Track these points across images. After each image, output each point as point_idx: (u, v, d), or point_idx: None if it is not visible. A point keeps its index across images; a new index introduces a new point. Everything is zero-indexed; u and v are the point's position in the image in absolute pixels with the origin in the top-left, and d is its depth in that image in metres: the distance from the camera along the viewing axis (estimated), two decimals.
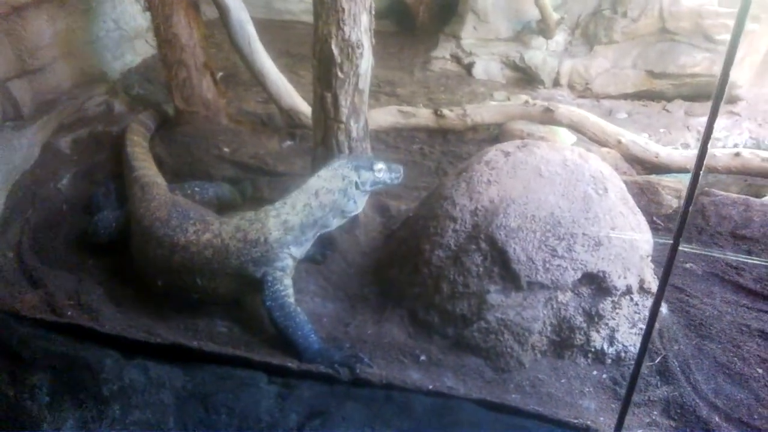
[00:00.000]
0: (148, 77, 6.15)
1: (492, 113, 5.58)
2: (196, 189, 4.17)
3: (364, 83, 3.82)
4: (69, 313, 3.37)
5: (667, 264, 2.43)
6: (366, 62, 3.77)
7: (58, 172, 4.49)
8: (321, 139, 3.96)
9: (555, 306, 3.17)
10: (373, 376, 3.02)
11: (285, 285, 3.26)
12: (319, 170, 3.48)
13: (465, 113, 5.55)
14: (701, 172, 2.23)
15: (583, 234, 3.18)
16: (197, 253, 3.30)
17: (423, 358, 3.19)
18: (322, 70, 3.75)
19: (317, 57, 3.75)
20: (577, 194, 3.27)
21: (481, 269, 3.22)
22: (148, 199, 3.70)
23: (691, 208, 2.33)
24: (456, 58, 6.99)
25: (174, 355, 3.20)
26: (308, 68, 6.86)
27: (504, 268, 3.17)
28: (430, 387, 2.97)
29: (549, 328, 3.19)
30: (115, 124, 5.10)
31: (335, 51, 3.63)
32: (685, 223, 2.37)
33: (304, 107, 5.31)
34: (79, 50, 5.50)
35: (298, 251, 3.37)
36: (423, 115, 5.61)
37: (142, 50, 6.54)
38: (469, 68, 6.87)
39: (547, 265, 3.13)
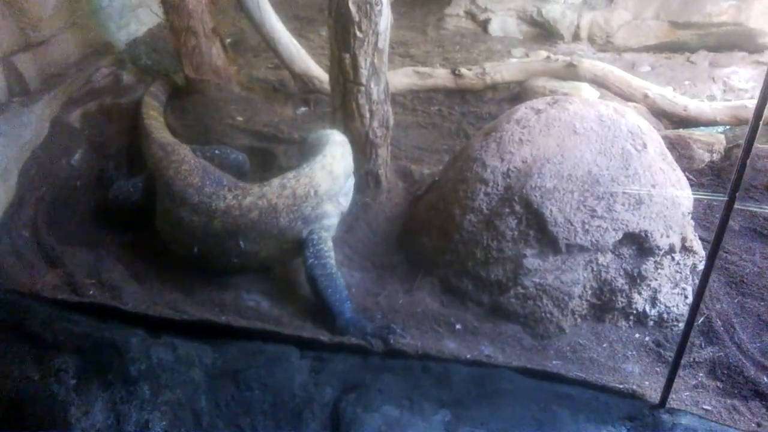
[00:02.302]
0: (155, 46, 5.95)
1: (512, 71, 5.38)
2: (217, 152, 4.01)
3: (384, 42, 3.64)
4: (90, 292, 3.28)
5: (722, 221, 2.29)
6: (385, 20, 3.58)
7: (69, 148, 4.35)
8: (339, 103, 3.80)
9: (595, 269, 3.04)
10: (408, 346, 2.92)
11: (329, 246, 3.24)
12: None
13: (484, 72, 5.35)
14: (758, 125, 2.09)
15: (623, 192, 3.03)
16: (241, 216, 3.18)
17: (458, 326, 3.08)
18: (339, 30, 3.57)
19: (333, 16, 3.57)
20: (615, 151, 3.12)
21: (515, 233, 3.08)
22: (177, 162, 3.54)
23: (747, 161, 2.18)
24: (471, 15, 6.74)
25: (201, 331, 3.11)
26: (317, 32, 6.71)
27: (540, 231, 3.04)
28: (468, 356, 2.87)
29: (589, 292, 3.07)
30: (124, 95, 4.94)
31: (352, 9, 3.45)
32: (742, 178, 2.23)
33: (317, 71, 5.13)
34: (83, 21, 5.30)
35: (345, 202, 3.45)
36: (440, 76, 5.42)
37: (146, 19, 6.33)
38: (484, 25, 6.63)
39: (587, 227, 2.99)
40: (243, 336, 3.07)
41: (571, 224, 3.00)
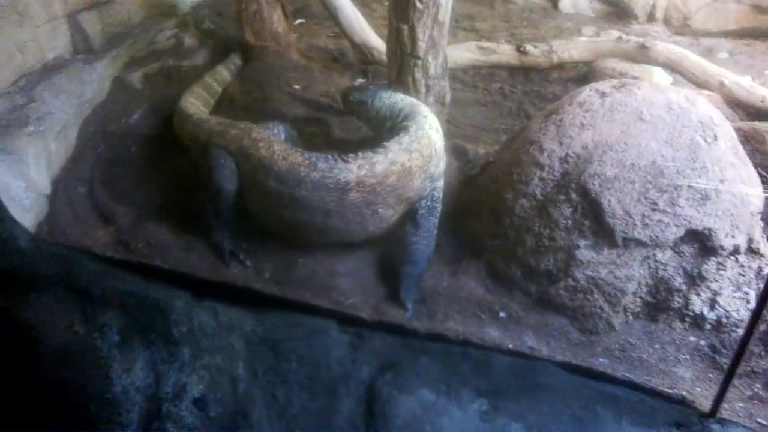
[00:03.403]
0: (218, 10, 5.96)
1: (581, 50, 5.15)
2: (275, 130, 3.66)
3: (444, 15, 3.52)
4: (140, 251, 3.31)
5: None
6: None
7: (129, 108, 4.41)
8: (396, 75, 3.71)
9: (652, 265, 2.89)
10: (449, 331, 2.86)
11: (439, 205, 3.36)
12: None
13: (551, 50, 5.14)
14: None
15: (689, 186, 2.86)
16: (379, 183, 3.08)
17: (502, 314, 2.99)
18: (399, 1, 3.46)
19: None
20: (682, 141, 2.93)
21: (570, 222, 2.95)
22: (264, 141, 3.28)
23: None
24: None
25: (244, 299, 3.12)
26: (381, 2, 6.58)
27: (596, 222, 2.90)
28: (510, 346, 2.79)
29: (644, 289, 2.92)
30: (185, 58, 4.98)
31: None
32: None
33: (377, 42, 5.03)
34: None
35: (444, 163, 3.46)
36: (504, 52, 5.24)
37: None
38: (555, 1, 6.38)
39: (646, 220, 2.84)
40: (284, 306, 3.06)
41: (630, 217, 2.84)
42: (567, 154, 3.01)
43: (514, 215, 3.10)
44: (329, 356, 2.77)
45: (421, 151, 3.19)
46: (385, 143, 3.19)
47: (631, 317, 2.96)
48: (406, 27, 3.48)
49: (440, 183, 3.37)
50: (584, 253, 2.91)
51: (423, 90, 3.66)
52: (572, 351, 2.87)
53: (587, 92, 3.26)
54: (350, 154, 3.14)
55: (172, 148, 4.08)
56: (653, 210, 2.84)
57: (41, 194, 3.55)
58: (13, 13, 3.87)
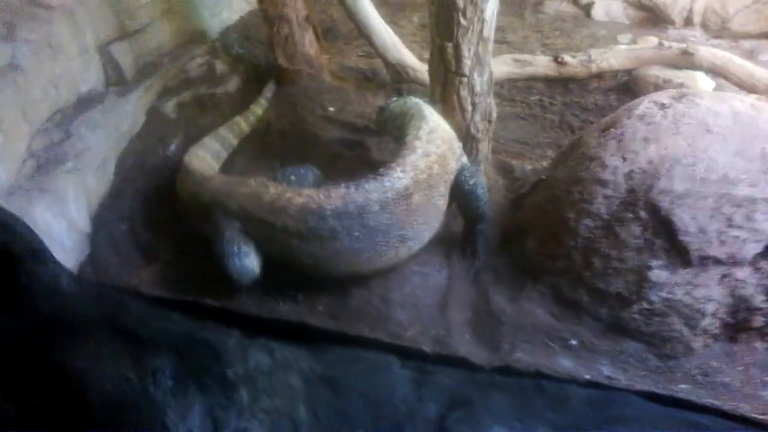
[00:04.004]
0: (247, 35, 5.88)
1: (620, 58, 5.00)
2: (293, 177, 3.48)
3: (489, 30, 3.40)
4: (186, 289, 3.21)
5: None
6: (492, 5, 3.34)
7: (165, 138, 4.34)
8: (440, 95, 3.59)
9: (731, 284, 2.72)
10: (519, 363, 2.70)
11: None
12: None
13: (590, 59, 4.99)
14: None
15: (764, 199, 2.70)
16: (428, 176, 3.09)
17: (573, 342, 2.84)
18: (442, 17, 3.35)
19: (435, 2, 3.37)
20: (754, 152, 2.79)
21: (640, 242, 2.80)
22: (281, 194, 3.04)
23: None
24: None
25: (298, 335, 2.99)
26: (408, 18, 6.49)
27: (669, 241, 2.75)
28: (587, 377, 2.63)
29: (723, 309, 2.75)
30: (218, 85, 4.90)
31: None
32: None
33: (411, 60, 4.92)
34: (177, 9, 5.29)
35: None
36: (541, 63, 5.10)
37: (238, 6, 6.27)
38: (587, 9, 6.21)
39: (722, 237, 2.68)
40: (340, 341, 2.93)
41: (705, 234, 2.69)
42: (632, 170, 2.87)
43: (578, 236, 2.95)
44: (393, 394, 2.63)
45: (442, 136, 3.26)
46: (407, 142, 3.22)
47: (709, 339, 2.79)
48: (450, 45, 3.36)
49: (465, 158, 3.44)
50: (658, 274, 2.75)
51: (469, 108, 3.53)
52: (651, 378, 2.70)
53: (646, 104, 3.13)
54: (390, 164, 3.08)
55: None
56: (729, 226, 2.68)
57: (82, 233, 3.47)
58: (46, 48, 3.81)
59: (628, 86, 5.00)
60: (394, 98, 3.97)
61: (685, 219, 2.71)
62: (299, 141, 4.45)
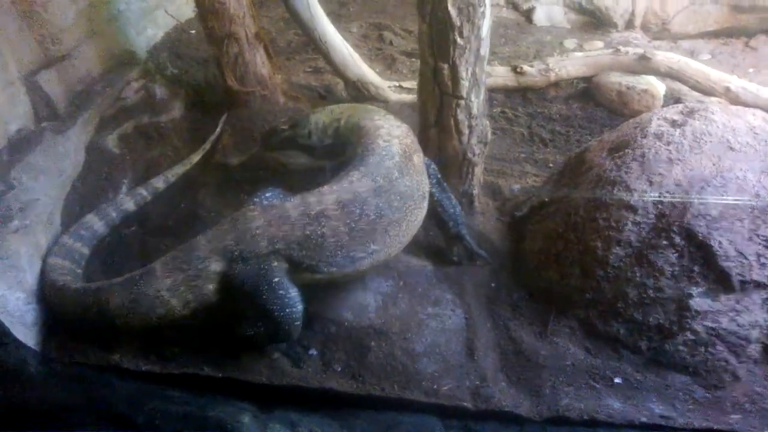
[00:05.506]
0: (177, 53, 5.39)
1: (578, 65, 4.95)
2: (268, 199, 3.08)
3: (486, 49, 3.20)
4: (178, 359, 2.79)
5: None
6: (487, 22, 3.14)
7: (112, 178, 3.83)
8: (435, 119, 3.34)
9: None
10: (570, 410, 2.51)
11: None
12: None
13: (547, 68, 4.91)
14: None
15: None
16: (408, 163, 3.03)
17: (618, 380, 2.68)
18: (436, 36, 3.12)
19: (428, 21, 3.12)
20: None
21: (676, 269, 2.68)
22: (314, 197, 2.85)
23: None
24: (512, 4, 6.26)
25: (319, 400, 2.67)
26: (347, 29, 6.18)
27: (707, 266, 2.64)
28: (643, 419, 2.48)
29: (764, 333, 2.68)
30: (161, 112, 4.43)
31: (453, 12, 3.01)
32: None
33: (372, 77, 4.67)
34: (102, 29, 4.73)
35: None
36: (499, 74, 4.97)
37: (162, 22, 5.73)
38: (528, 14, 6.16)
39: (762, 260, 2.61)
40: (369, 405, 2.64)
41: (745, 257, 2.60)
42: (660, 194, 2.74)
43: (608, 266, 2.80)
44: None
45: (402, 127, 3.21)
46: (374, 138, 3.09)
47: (752, 364, 2.71)
48: (446, 66, 3.13)
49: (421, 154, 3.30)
50: (699, 302, 2.64)
51: (466, 131, 3.32)
52: (700, 411, 2.58)
53: (656, 121, 3.03)
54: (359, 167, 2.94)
55: (178, 224, 3.57)
56: (767, 247, 2.61)
57: (41, 302, 2.95)
58: None
59: (587, 93, 4.97)
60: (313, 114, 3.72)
61: (723, 243, 2.61)
62: (262, 171, 4.08)
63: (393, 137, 3.11)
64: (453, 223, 3.31)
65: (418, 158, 3.17)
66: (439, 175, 3.29)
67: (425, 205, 3.11)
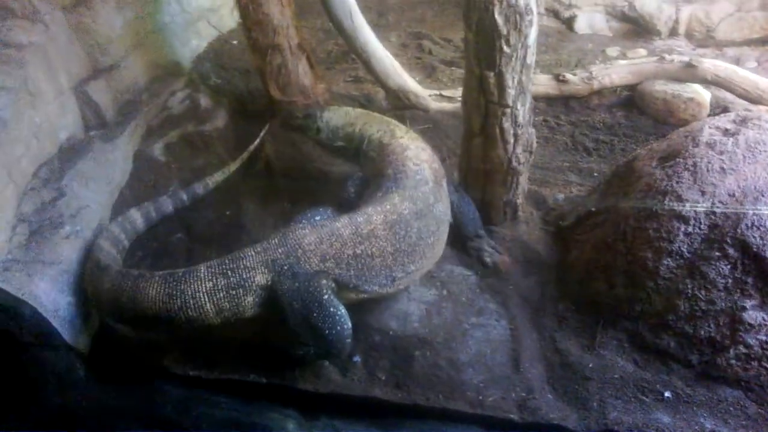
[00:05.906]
0: (221, 63, 5.48)
1: (622, 74, 4.88)
2: (317, 218, 3.06)
3: (532, 57, 3.18)
4: (224, 365, 2.82)
5: None
6: (534, 30, 3.12)
7: (158, 185, 3.91)
8: (480, 127, 3.33)
9: None
10: (618, 425, 2.46)
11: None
12: None
13: (591, 75, 4.86)
14: None
15: None
16: (435, 168, 3.34)
17: (667, 394, 2.62)
18: (482, 45, 3.10)
19: (474, 30, 3.11)
20: None
21: (729, 281, 2.61)
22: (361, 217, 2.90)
23: None
24: (553, 12, 6.23)
25: (363, 408, 2.67)
26: (386, 38, 6.20)
27: (762, 279, 2.57)
28: None
29: None
30: (205, 121, 4.51)
31: (499, 20, 2.99)
32: None
33: (413, 86, 4.67)
34: (148, 40, 4.84)
35: None
36: (541, 82, 4.93)
37: (205, 33, 5.85)
38: (569, 23, 6.12)
39: None
40: (413, 414, 2.62)
41: None
42: (713, 204, 2.68)
43: (658, 277, 2.75)
44: None
45: (427, 150, 3.42)
46: (403, 160, 3.25)
47: None
48: (492, 74, 3.12)
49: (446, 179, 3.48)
50: (753, 314, 2.57)
51: (511, 140, 3.29)
52: (754, 428, 2.51)
53: (708, 130, 2.97)
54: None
55: (224, 231, 3.62)
56: None
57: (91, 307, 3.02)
58: (25, 94, 3.34)
59: (631, 102, 4.91)
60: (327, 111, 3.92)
61: None
62: (306, 180, 4.12)
63: (422, 161, 3.28)
64: (473, 227, 3.47)
65: (445, 183, 3.36)
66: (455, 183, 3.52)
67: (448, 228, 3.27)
